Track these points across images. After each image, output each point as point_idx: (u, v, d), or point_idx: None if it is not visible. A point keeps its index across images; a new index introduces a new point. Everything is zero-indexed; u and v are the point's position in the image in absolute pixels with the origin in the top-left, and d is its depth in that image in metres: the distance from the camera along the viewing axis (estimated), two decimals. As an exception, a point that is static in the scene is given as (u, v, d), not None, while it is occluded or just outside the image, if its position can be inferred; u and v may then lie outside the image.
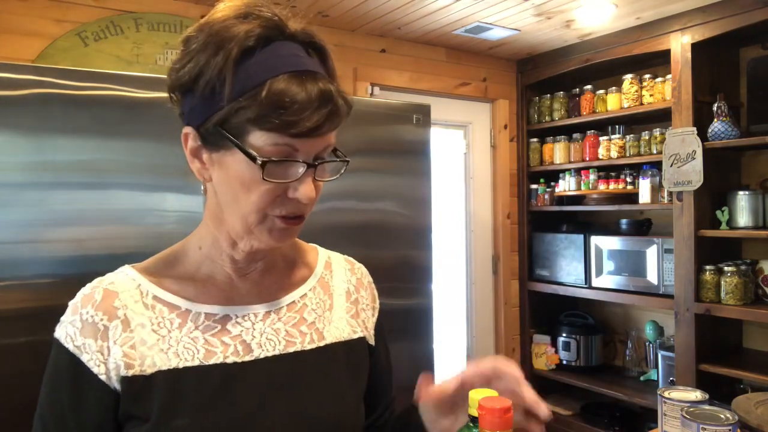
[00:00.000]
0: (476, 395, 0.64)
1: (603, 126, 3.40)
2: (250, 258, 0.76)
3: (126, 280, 0.74)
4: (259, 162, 0.64)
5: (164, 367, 0.68)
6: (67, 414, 0.68)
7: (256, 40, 0.65)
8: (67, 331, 0.70)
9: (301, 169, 0.66)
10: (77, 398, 0.68)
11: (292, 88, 0.63)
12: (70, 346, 0.69)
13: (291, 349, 0.75)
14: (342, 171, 0.72)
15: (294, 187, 0.67)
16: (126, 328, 0.69)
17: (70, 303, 0.73)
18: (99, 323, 0.69)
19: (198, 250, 0.77)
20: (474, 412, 0.63)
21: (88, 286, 0.74)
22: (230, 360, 0.71)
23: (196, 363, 0.69)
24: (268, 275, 0.79)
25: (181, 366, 0.69)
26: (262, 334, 0.74)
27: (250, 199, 0.67)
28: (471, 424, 0.64)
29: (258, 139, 0.64)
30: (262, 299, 0.77)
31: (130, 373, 0.68)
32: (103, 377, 0.68)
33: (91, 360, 0.68)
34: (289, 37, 0.68)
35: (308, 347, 0.76)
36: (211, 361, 0.70)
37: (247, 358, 0.72)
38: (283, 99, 0.63)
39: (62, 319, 0.72)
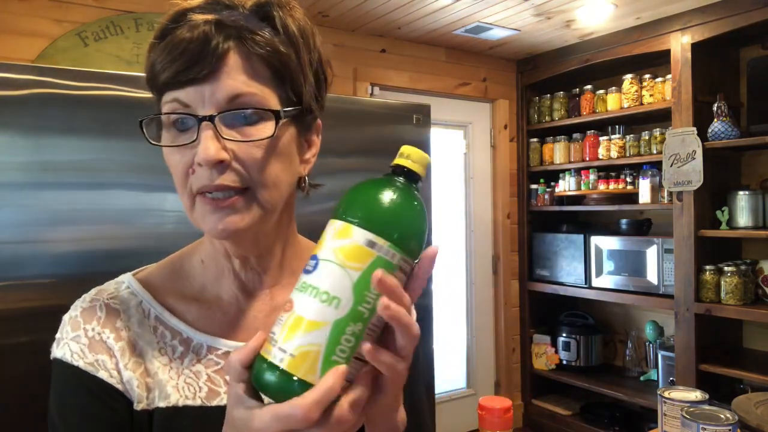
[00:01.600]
0: (402, 149, 0.51)
1: (603, 126, 3.40)
2: (246, 266, 0.67)
3: (127, 296, 0.66)
4: (138, 120, 0.58)
5: (162, 404, 0.61)
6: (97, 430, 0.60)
7: (186, 17, 0.57)
8: (71, 349, 0.62)
9: (191, 125, 0.57)
10: (105, 414, 0.61)
11: (171, 39, 0.56)
12: (80, 363, 0.61)
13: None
14: (276, 126, 0.58)
15: (197, 150, 0.56)
16: (132, 353, 0.62)
17: (67, 318, 0.64)
18: (107, 341, 0.62)
19: (201, 264, 0.69)
20: (396, 160, 0.51)
21: (87, 299, 0.65)
22: None
23: (198, 403, 0.62)
24: (277, 295, 0.69)
25: (180, 404, 0.62)
26: None
27: (174, 179, 0.60)
28: (392, 174, 0.51)
29: (162, 106, 0.59)
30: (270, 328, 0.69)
31: (139, 407, 0.61)
32: (126, 395, 0.61)
33: (112, 378, 0.61)
34: (230, 7, 0.59)
35: None
36: (214, 403, 0.63)
37: None
38: (159, 50, 0.57)
39: (59, 336, 0.64)
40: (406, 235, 0.48)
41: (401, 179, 0.50)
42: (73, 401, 0.61)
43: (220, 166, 0.56)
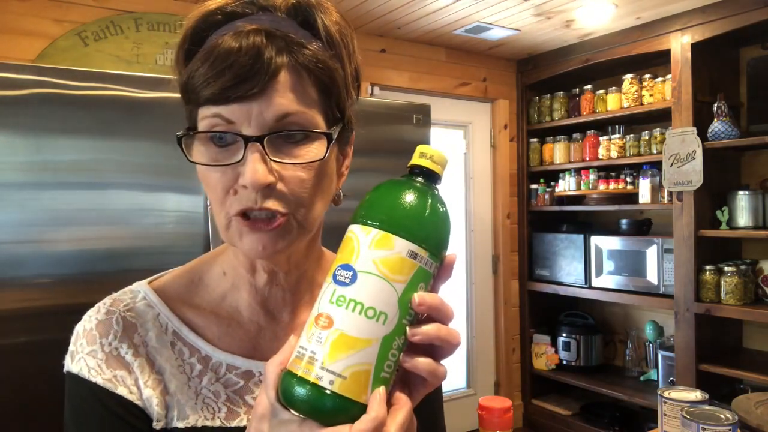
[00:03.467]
0: (421, 149, 0.50)
1: (603, 126, 3.40)
2: (272, 282, 0.64)
3: (144, 308, 0.63)
4: (177, 135, 0.55)
5: (181, 425, 0.59)
6: None
7: (216, 19, 0.55)
8: (87, 364, 0.59)
9: (240, 145, 0.53)
10: (125, 429, 0.59)
11: (213, 48, 0.53)
12: (98, 380, 0.58)
13: None
14: (327, 150, 0.55)
15: (242, 172, 0.53)
16: (152, 370, 0.60)
17: (81, 330, 0.61)
18: (125, 357, 0.60)
19: (223, 276, 0.66)
20: (419, 161, 0.49)
21: (102, 310, 0.62)
22: None
23: (218, 424, 0.60)
24: (300, 313, 0.67)
25: (200, 425, 0.60)
26: None
27: (210, 196, 0.57)
28: (421, 178, 0.49)
29: (200, 120, 0.55)
30: None
31: (159, 426, 0.59)
32: (147, 412, 0.59)
33: (132, 395, 0.59)
34: (264, 8, 0.56)
35: None
36: (234, 424, 0.61)
37: None
38: (199, 60, 0.53)
39: (73, 349, 0.61)
40: (443, 244, 0.48)
41: (430, 184, 0.49)
42: (93, 419, 0.59)
43: (267, 189, 0.53)
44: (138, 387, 0.59)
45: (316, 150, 0.55)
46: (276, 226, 0.55)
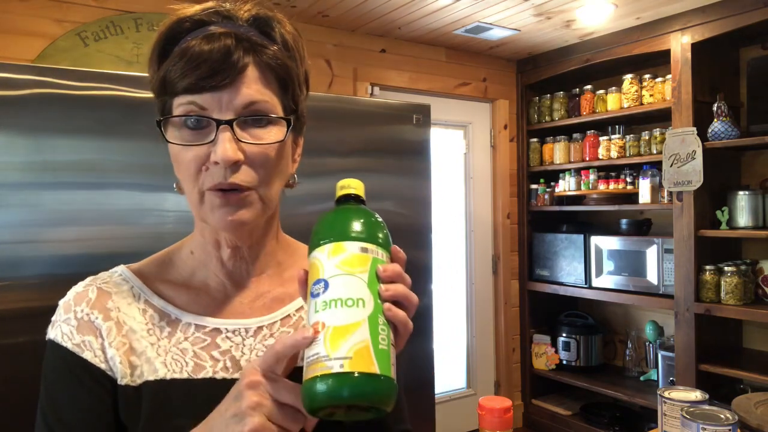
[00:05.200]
0: (340, 183, 0.62)
1: (603, 126, 3.40)
2: (236, 256, 0.73)
3: (119, 281, 0.72)
4: (156, 120, 0.64)
5: (151, 378, 0.66)
6: (75, 414, 0.66)
7: (185, 26, 0.65)
8: (62, 330, 0.68)
9: (212, 128, 0.63)
10: (84, 397, 0.66)
11: (188, 48, 0.62)
12: (68, 344, 0.67)
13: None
14: (287, 132, 0.66)
15: (214, 150, 0.62)
16: (119, 332, 0.68)
17: (61, 302, 0.71)
18: (95, 322, 0.67)
19: (190, 255, 0.75)
20: (340, 192, 0.62)
21: (81, 284, 0.72)
22: (219, 376, 0.68)
23: (185, 376, 0.67)
24: (262, 283, 0.75)
25: (168, 377, 0.66)
26: (252, 350, 0.71)
27: (183, 174, 0.66)
28: (350, 202, 0.62)
29: (174, 108, 0.64)
30: (255, 312, 0.74)
31: (124, 382, 0.66)
32: (109, 374, 0.66)
33: (96, 357, 0.66)
34: (228, 17, 0.66)
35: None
36: (200, 376, 0.67)
37: (236, 375, 0.68)
38: (175, 58, 0.63)
39: (54, 319, 0.70)
40: (384, 238, 0.59)
41: (356, 203, 0.61)
42: (59, 382, 0.67)
43: (235, 165, 0.63)
44: (103, 350, 0.67)
45: (276, 133, 0.66)
46: (241, 196, 0.64)
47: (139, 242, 1.63)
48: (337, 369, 0.50)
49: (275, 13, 0.69)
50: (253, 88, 0.63)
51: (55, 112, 1.54)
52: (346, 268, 0.54)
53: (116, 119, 1.60)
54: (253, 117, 0.64)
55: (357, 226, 0.57)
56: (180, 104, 0.63)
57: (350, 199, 0.61)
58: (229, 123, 0.62)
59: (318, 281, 0.54)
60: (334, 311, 0.52)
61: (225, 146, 0.61)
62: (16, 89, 1.50)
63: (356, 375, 0.50)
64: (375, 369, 0.51)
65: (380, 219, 0.60)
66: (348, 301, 0.53)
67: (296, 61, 0.69)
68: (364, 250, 0.56)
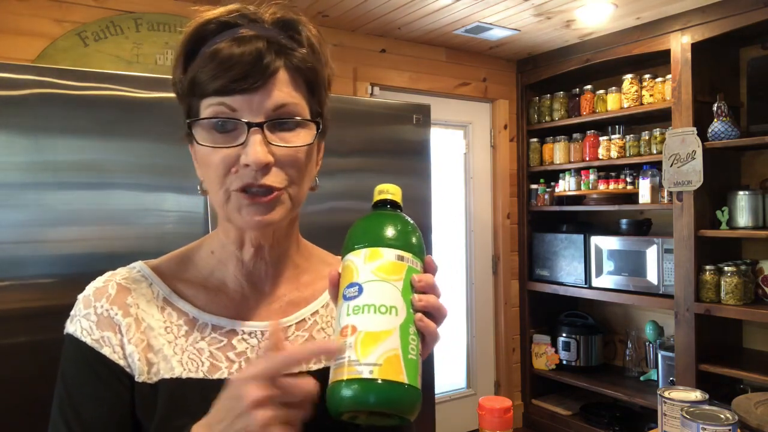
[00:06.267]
0: (379, 188, 0.63)
1: (603, 126, 3.40)
2: (257, 255, 0.73)
3: (138, 277, 0.72)
4: (187, 122, 0.64)
5: (167, 376, 0.66)
6: (94, 409, 0.65)
7: (210, 27, 0.65)
8: (81, 326, 0.68)
9: (242, 130, 0.63)
10: (102, 392, 0.66)
11: (218, 50, 0.62)
12: (87, 340, 0.66)
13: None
14: (316, 134, 0.67)
15: (245, 153, 0.63)
16: (138, 328, 0.68)
17: (81, 296, 0.70)
18: (114, 318, 0.68)
19: (210, 255, 0.75)
20: (379, 197, 0.63)
21: (100, 279, 0.72)
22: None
23: (200, 376, 0.67)
24: (279, 287, 0.76)
25: (184, 376, 0.67)
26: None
27: (210, 176, 0.66)
28: (376, 207, 0.63)
29: (203, 110, 0.64)
30: (272, 315, 0.74)
31: (141, 379, 0.66)
32: (128, 370, 0.67)
33: (115, 353, 0.66)
34: (254, 20, 0.66)
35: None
36: (215, 376, 0.68)
37: None
38: (206, 60, 0.63)
39: (73, 313, 0.70)
40: (420, 247, 0.59)
41: (394, 209, 0.62)
42: (78, 376, 0.67)
43: (266, 167, 0.63)
44: (122, 346, 0.67)
45: (305, 136, 0.66)
46: (272, 197, 0.65)
47: (140, 242, 1.63)
48: (366, 375, 0.50)
49: (300, 16, 0.69)
50: (284, 92, 0.64)
51: (56, 112, 1.54)
52: (381, 274, 0.55)
53: (116, 119, 1.60)
54: (283, 120, 0.64)
55: (395, 233, 0.58)
56: (210, 105, 0.63)
57: (387, 204, 0.62)
58: (260, 126, 0.63)
59: (352, 284, 0.55)
60: (367, 316, 0.53)
61: (256, 149, 0.62)
62: (16, 89, 1.50)
63: (385, 383, 0.50)
64: (403, 378, 0.51)
65: (416, 227, 0.61)
66: (381, 308, 0.53)
67: (322, 64, 0.69)
68: (401, 258, 0.57)
